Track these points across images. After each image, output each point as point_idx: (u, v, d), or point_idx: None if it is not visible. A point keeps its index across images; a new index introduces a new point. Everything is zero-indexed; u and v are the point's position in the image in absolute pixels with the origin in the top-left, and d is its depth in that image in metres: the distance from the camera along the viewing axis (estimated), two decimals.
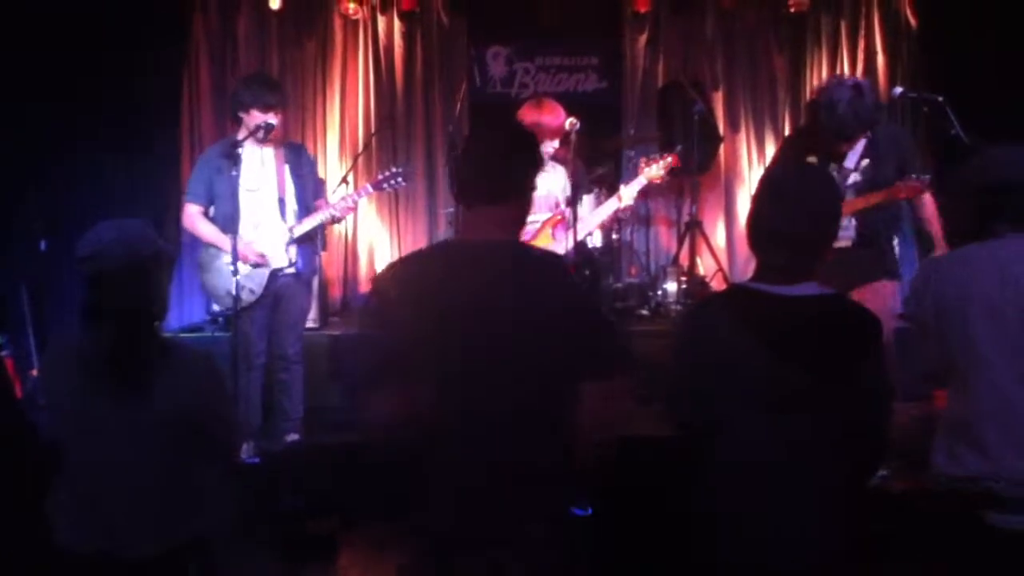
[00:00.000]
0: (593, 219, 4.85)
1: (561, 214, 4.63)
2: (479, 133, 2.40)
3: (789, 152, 4.30)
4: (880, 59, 6.85)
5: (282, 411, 4.62)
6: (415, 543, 2.12)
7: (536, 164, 2.24)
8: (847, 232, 3.96)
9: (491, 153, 2.19)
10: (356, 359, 2.21)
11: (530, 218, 4.49)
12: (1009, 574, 2.25)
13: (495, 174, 2.15)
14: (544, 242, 4.56)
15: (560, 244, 4.56)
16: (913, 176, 3.87)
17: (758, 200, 2.17)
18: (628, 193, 4.68)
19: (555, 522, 2.08)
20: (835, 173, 3.92)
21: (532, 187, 2.22)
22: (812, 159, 3.93)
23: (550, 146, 4.51)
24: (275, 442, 4.58)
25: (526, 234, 4.52)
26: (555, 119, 4.44)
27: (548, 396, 2.05)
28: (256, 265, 4.42)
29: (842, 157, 3.98)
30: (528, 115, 4.48)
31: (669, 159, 4.75)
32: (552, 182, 4.67)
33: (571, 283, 2.18)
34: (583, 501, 2.11)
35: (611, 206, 4.76)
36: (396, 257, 5.86)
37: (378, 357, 2.12)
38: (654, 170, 4.70)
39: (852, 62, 6.88)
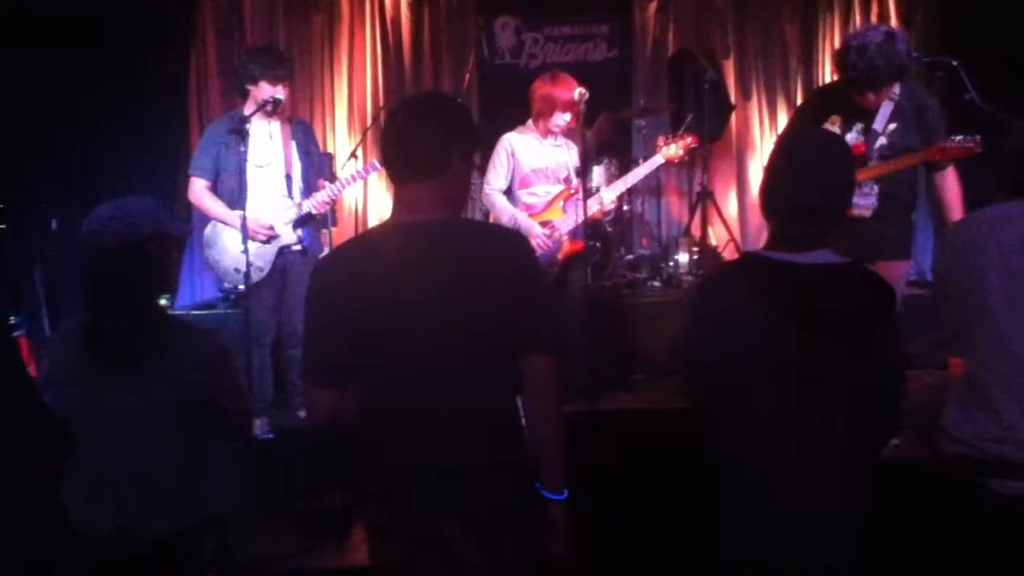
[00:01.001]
0: (609, 193, 4.83)
1: (574, 188, 4.60)
2: (401, 103, 2.28)
3: (810, 111, 4.03)
4: (893, 24, 6.74)
5: (294, 386, 4.64)
6: (368, 526, 2.09)
7: (464, 137, 2.06)
8: (869, 200, 3.80)
9: (410, 124, 2.04)
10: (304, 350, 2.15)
11: (541, 190, 4.56)
12: (1017, 540, 2.23)
13: (416, 146, 2.01)
14: (554, 215, 4.54)
15: (570, 217, 4.54)
16: (959, 137, 3.67)
17: (771, 170, 2.15)
18: (643, 171, 4.76)
19: (515, 506, 2.02)
20: (862, 136, 3.78)
21: (460, 161, 2.05)
22: (836, 118, 3.80)
23: (562, 119, 4.48)
24: (289, 416, 4.60)
25: (536, 207, 4.53)
26: (568, 92, 4.42)
27: (501, 376, 2.02)
28: (265, 241, 4.41)
29: (867, 114, 3.78)
30: (541, 88, 4.48)
31: (689, 139, 4.71)
32: (562, 155, 4.65)
33: (525, 259, 2.08)
34: (556, 484, 2.07)
35: (625, 182, 4.83)
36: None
37: (318, 350, 2.06)
38: (672, 150, 4.69)
39: None
